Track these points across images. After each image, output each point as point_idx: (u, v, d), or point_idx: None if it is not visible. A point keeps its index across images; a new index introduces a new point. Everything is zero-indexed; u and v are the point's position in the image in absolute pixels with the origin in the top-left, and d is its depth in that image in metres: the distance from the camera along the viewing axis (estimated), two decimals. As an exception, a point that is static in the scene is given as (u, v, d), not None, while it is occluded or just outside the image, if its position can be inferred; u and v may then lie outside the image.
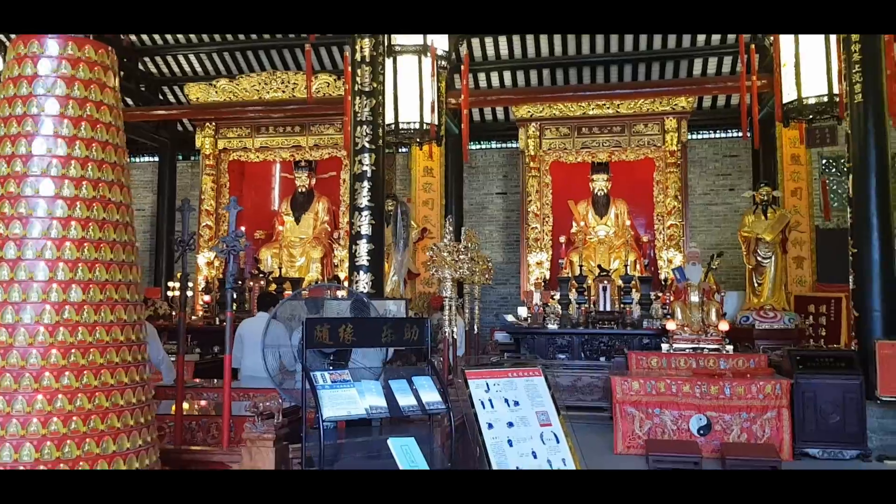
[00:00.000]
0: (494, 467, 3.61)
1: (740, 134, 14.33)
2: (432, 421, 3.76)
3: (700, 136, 14.42)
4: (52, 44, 3.18)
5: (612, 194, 13.74)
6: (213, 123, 14.03)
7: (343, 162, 13.76)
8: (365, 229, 9.15)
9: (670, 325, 9.57)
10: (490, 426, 3.74)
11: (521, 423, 3.83)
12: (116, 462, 3.00)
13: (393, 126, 10.46)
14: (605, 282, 11.89)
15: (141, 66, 14.87)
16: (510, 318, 12.20)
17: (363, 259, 9.17)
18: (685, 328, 9.59)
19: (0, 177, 3.07)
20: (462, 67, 11.00)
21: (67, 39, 3.20)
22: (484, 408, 3.79)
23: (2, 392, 2.88)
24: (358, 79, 9.37)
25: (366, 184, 9.22)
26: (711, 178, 14.47)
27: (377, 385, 3.53)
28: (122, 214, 3.22)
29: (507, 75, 14.25)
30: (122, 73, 13.44)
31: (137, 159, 16.30)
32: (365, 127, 9.30)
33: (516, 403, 3.90)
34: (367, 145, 9.29)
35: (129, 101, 14.54)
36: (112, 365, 3.06)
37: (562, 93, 13.05)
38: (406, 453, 3.52)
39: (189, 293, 13.19)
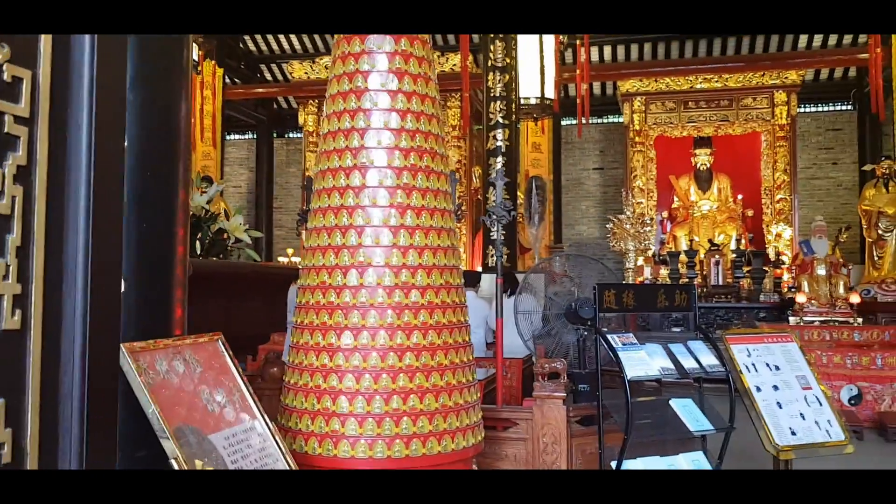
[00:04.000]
0: (770, 429, 3.74)
1: (844, 107, 14.19)
2: (702, 384, 3.89)
3: (802, 110, 14.25)
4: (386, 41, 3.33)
5: (714, 169, 13.67)
6: (317, 101, 14.23)
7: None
8: (497, 204, 9.28)
9: (800, 298, 9.59)
10: (758, 389, 3.87)
11: (785, 387, 3.95)
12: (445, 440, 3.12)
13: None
14: (718, 256, 11.88)
15: (241, 45, 15.12)
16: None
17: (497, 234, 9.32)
18: (812, 301, 9.63)
19: (337, 155, 3.26)
20: (578, 42, 11.05)
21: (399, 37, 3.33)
22: (749, 372, 3.91)
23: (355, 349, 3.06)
24: (491, 55, 9.48)
25: (500, 159, 9.36)
26: (814, 153, 14.32)
27: (660, 348, 3.67)
28: (441, 183, 3.38)
29: (607, 50, 14.21)
30: (223, 51, 13.74)
31: (234, 137, 16.61)
32: (499, 102, 9.42)
33: (777, 368, 4.01)
34: (500, 120, 9.43)
35: (228, 80, 14.82)
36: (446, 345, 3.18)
37: (674, 66, 12.99)
38: (689, 413, 3.67)
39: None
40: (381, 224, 3.17)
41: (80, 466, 0.90)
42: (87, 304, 0.93)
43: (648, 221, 7.72)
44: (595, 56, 14.30)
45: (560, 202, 14.50)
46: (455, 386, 3.15)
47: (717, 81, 12.86)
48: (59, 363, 0.91)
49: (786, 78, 12.57)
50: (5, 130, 0.88)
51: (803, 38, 13.38)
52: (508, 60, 9.30)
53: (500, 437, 3.81)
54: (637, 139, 13.32)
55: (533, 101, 10.48)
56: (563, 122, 14.75)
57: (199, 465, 1.85)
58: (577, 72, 10.80)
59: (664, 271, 12.17)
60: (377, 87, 3.29)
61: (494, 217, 3.99)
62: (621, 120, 13.79)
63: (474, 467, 3.20)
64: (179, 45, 2.27)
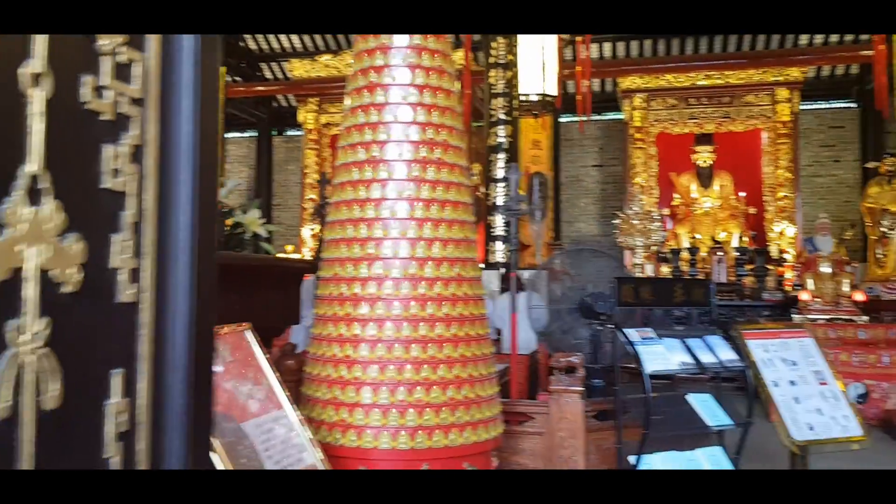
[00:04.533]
0: (788, 424, 3.71)
1: (846, 104, 14.19)
2: (720, 380, 3.87)
3: (804, 107, 14.23)
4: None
5: (715, 166, 13.64)
6: (317, 99, 14.19)
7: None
8: (500, 200, 9.25)
9: (804, 296, 9.58)
10: (776, 384, 3.84)
11: (801, 382, 3.92)
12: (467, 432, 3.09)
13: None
14: (721, 254, 11.87)
15: (241, 43, 15.06)
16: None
17: (499, 229, 9.30)
18: (817, 299, 9.62)
19: (364, 144, 3.24)
20: (577, 39, 11.01)
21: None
22: (766, 367, 3.89)
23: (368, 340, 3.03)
24: (493, 51, 9.45)
25: (501, 155, 9.33)
26: (815, 150, 14.29)
27: (678, 343, 3.65)
28: (458, 176, 3.36)
29: (607, 47, 14.18)
30: (224, 49, 13.67)
31: (234, 134, 16.54)
32: (501, 99, 9.39)
33: (794, 363, 3.99)
34: (502, 117, 9.40)
35: (229, 78, 14.76)
36: (464, 338, 3.16)
37: (675, 63, 12.96)
38: (707, 408, 3.64)
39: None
40: (389, 217, 3.16)
41: (183, 439, 0.91)
42: (192, 279, 0.95)
43: (656, 217, 7.69)
44: (595, 53, 14.26)
45: (559, 199, 14.48)
46: (465, 379, 3.12)
47: (718, 78, 12.82)
48: (165, 336, 0.92)
49: (788, 75, 12.55)
50: (121, 111, 0.90)
51: (805, 35, 13.37)
52: (511, 57, 9.26)
53: (515, 430, 3.78)
54: (637, 136, 13.28)
55: (534, 98, 10.46)
56: (562, 119, 14.71)
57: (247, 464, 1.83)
58: (578, 68, 10.75)
59: (665, 269, 12.15)
60: (389, 81, 3.28)
61: (510, 211, 3.95)
62: (621, 117, 13.76)
63: (494, 461, 3.17)
64: (214, 44, 2.27)
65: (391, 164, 3.26)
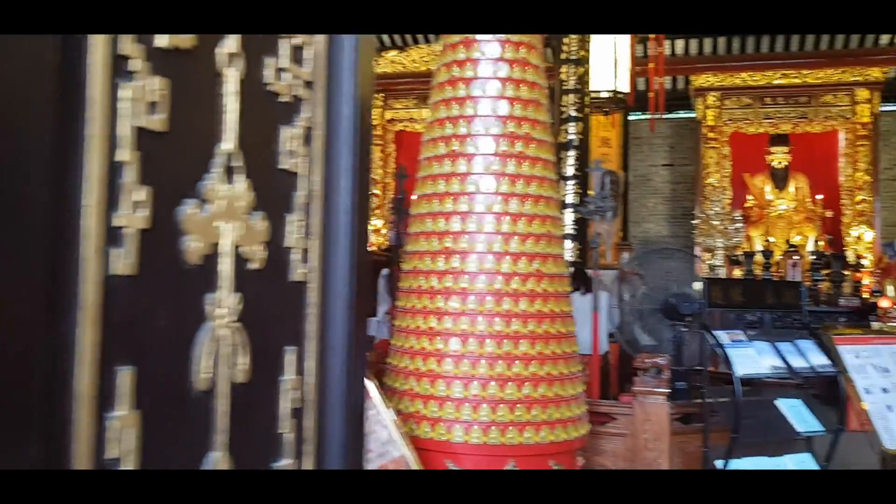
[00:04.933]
0: (880, 432, 3.59)
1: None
2: (808, 384, 3.76)
3: (884, 108, 13.70)
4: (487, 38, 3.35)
5: (790, 167, 13.25)
6: (382, 94, 14.27)
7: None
8: (570, 198, 9.17)
9: (884, 303, 9.25)
10: (867, 391, 3.72)
11: (894, 390, 3.79)
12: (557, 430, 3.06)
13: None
14: (796, 258, 11.53)
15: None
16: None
17: (569, 228, 9.21)
18: (897, 306, 9.28)
19: (445, 137, 3.24)
20: (649, 36, 10.82)
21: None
22: (858, 373, 3.76)
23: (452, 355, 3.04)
24: (565, 47, 9.37)
25: (571, 153, 9.25)
26: (895, 152, 13.76)
27: (768, 346, 3.56)
28: (545, 170, 3.34)
29: (679, 44, 13.90)
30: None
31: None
32: (572, 95, 9.31)
33: (885, 370, 3.86)
34: (573, 114, 9.32)
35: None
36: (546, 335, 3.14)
37: (750, 61, 12.65)
38: (797, 413, 3.54)
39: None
40: (467, 211, 3.17)
41: (343, 420, 0.92)
42: (352, 262, 0.96)
43: (737, 218, 7.52)
44: (667, 49, 13.99)
45: (627, 198, 14.26)
46: (543, 377, 3.10)
47: (795, 77, 12.45)
48: (328, 317, 0.94)
49: (868, 75, 12.12)
50: (296, 93, 0.92)
51: (886, 35, 12.88)
52: (583, 53, 9.16)
53: (598, 431, 3.73)
54: (711, 135, 12.98)
55: (605, 95, 10.30)
56: (632, 117, 14.48)
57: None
58: (651, 65, 10.55)
59: (738, 272, 11.85)
60: (471, 75, 3.29)
61: (593, 209, 3.91)
62: (692, 115, 13.48)
63: (580, 460, 3.14)
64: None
65: (471, 158, 3.27)
